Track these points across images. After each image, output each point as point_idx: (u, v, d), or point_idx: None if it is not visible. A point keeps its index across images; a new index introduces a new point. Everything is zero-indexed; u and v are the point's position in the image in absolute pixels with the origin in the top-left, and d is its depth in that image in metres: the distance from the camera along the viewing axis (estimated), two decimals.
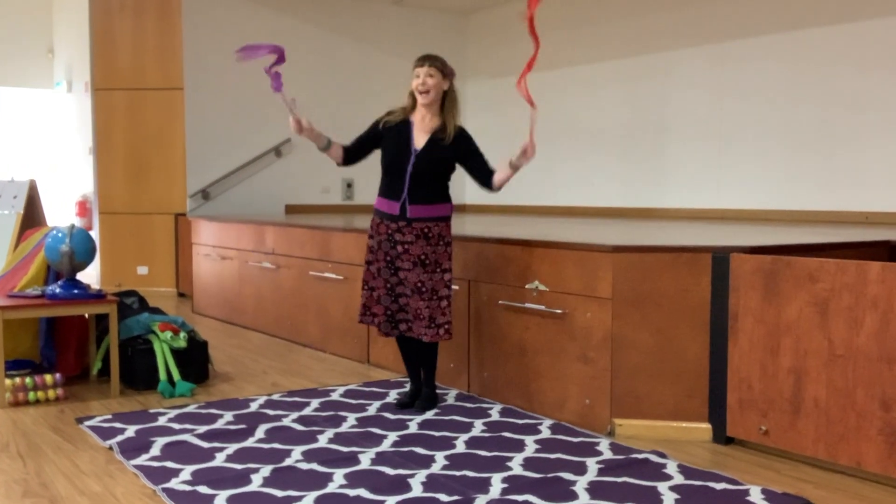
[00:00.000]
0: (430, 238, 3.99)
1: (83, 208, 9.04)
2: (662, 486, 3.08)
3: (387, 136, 4.07)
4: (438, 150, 3.99)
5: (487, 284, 4.38)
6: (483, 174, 4.07)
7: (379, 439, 3.64)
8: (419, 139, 4.01)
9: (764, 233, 5.00)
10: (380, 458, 3.37)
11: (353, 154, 4.19)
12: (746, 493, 3.03)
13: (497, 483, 3.11)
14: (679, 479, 3.16)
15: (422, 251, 3.98)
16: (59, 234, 4.45)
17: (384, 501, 2.91)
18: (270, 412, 4.09)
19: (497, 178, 4.04)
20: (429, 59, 4.00)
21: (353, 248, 5.37)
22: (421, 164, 3.97)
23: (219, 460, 3.35)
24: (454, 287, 4.37)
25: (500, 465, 3.32)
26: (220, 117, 8.54)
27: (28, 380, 4.31)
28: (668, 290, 3.69)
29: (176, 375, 4.53)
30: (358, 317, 4.15)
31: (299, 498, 2.94)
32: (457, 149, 4.02)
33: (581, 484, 3.10)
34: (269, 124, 8.75)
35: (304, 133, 4.04)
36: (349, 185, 9.24)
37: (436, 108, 4.04)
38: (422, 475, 3.18)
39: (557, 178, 8.69)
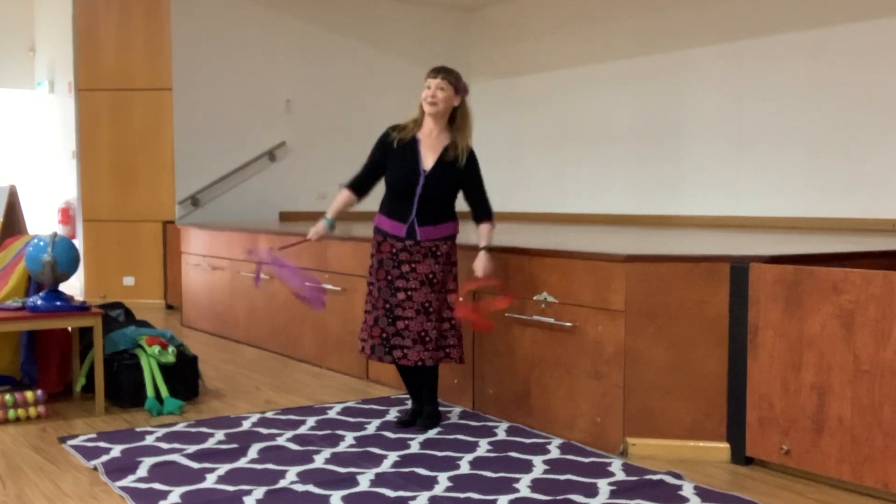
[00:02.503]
0: (438, 257, 4.04)
1: (66, 215, 9.06)
2: None
3: (395, 154, 4.09)
4: (448, 172, 4.03)
5: (493, 296, 4.38)
6: (477, 208, 4.14)
7: (378, 459, 3.65)
8: (427, 159, 4.04)
9: (785, 241, 5.01)
10: (379, 480, 3.38)
11: (364, 186, 4.23)
12: None
13: None
14: (696, 502, 3.16)
15: (430, 270, 4.02)
16: (41, 243, 4.47)
17: None
18: (264, 431, 4.09)
19: (479, 231, 4.14)
20: (442, 72, 4.04)
21: (351, 258, 5.39)
22: (430, 187, 4.01)
23: (209, 482, 3.36)
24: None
25: (506, 486, 3.32)
26: (210, 119, 8.57)
27: (8, 397, 4.32)
28: (683, 301, 3.70)
29: (164, 392, 4.54)
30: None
31: None
32: (468, 172, 4.07)
33: None
34: (262, 127, 8.79)
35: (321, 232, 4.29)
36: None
37: (443, 124, 4.08)
38: (424, 497, 3.19)
39: (566, 184, 8.71)
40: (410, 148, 4.06)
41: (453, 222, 4.12)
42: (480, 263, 4.05)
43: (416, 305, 4.01)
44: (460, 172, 4.04)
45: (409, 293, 4.02)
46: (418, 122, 4.11)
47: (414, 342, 4.01)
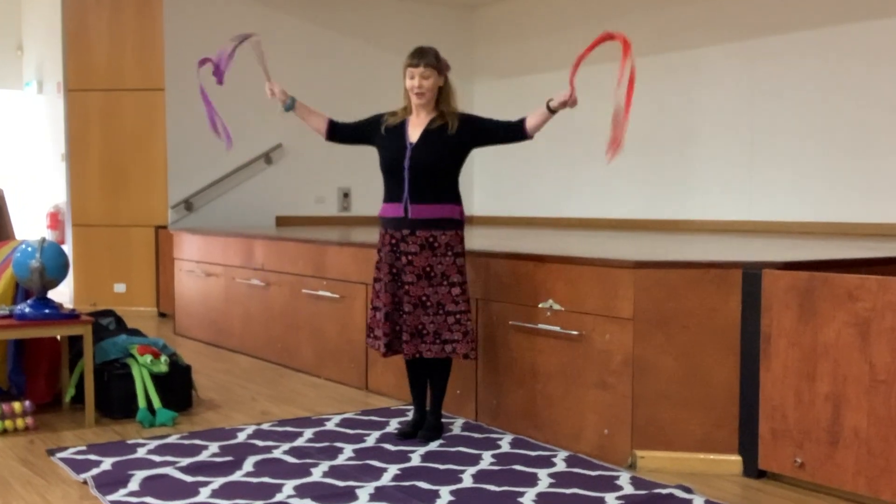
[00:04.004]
0: (437, 248, 4.02)
1: (55, 220, 9.08)
2: None
3: (384, 137, 4.14)
4: (436, 141, 4.03)
5: (497, 303, 4.40)
6: (510, 131, 4.12)
7: (378, 473, 3.65)
8: (414, 133, 4.08)
9: (799, 247, 5.02)
10: (379, 494, 3.39)
11: (341, 132, 4.31)
12: None
13: None
14: None
15: (427, 262, 4.01)
16: (29, 249, 4.48)
17: None
18: (260, 443, 4.10)
19: (531, 122, 4.07)
20: (423, 57, 4.02)
21: (350, 264, 5.40)
22: (418, 156, 4.01)
23: (203, 496, 3.36)
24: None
25: (511, 500, 3.33)
26: (204, 121, 8.53)
27: None
28: (694, 309, 3.71)
29: (156, 403, 4.54)
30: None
31: None
32: (466, 133, 4.06)
33: None
34: (259, 129, 8.80)
35: (277, 95, 4.33)
36: (346, 195, 9.28)
37: (432, 106, 4.11)
38: None
39: (573, 187, 8.71)
40: (399, 129, 4.11)
41: (453, 205, 4.08)
42: (559, 99, 4.01)
43: (414, 300, 4.02)
44: (456, 139, 4.03)
45: (407, 287, 4.03)
46: (407, 110, 4.15)
47: (412, 336, 4.03)
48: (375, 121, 4.22)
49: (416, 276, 4.02)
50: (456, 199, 4.11)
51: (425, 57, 4.02)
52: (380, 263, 4.14)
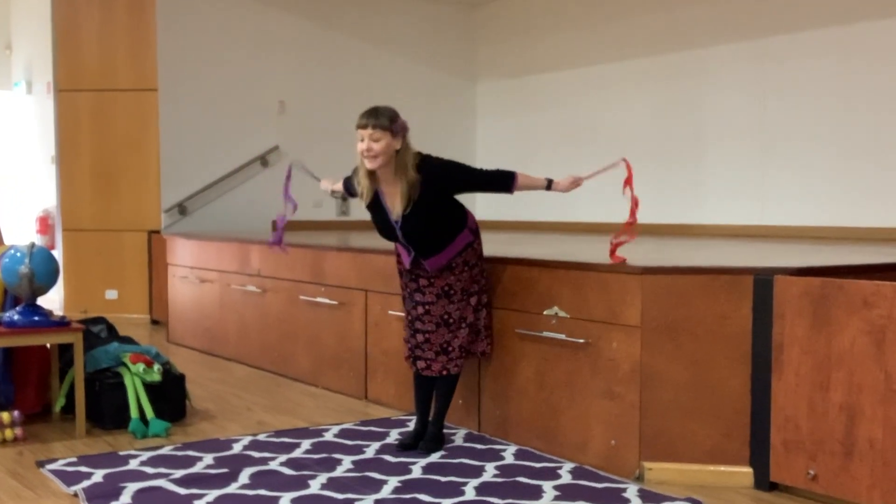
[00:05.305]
0: (454, 268, 4.11)
1: (44, 224, 9.09)
2: None
3: (367, 206, 4.11)
4: (418, 219, 3.96)
5: (501, 310, 4.40)
6: (493, 184, 4.18)
7: (378, 485, 3.66)
8: (395, 207, 3.98)
9: (812, 252, 5.02)
10: None
11: (347, 187, 4.39)
12: None
13: None
14: None
15: (445, 282, 4.11)
16: (18, 254, 4.49)
17: None
18: (256, 454, 4.11)
19: (522, 183, 4.19)
20: (372, 118, 3.83)
21: (349, 270, 5.41)
22: (409, 232, 4.02)
23: None
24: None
25: None
26: (199, 122, 8.60)
27: None
28: (704, 316, 3.71)
29: (149, 413, 4.55)
30: None
31: None
32: (439, 191, 3.98)
33: None
34: (254, 131, 8.81)
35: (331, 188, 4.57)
36: (344, 199, 9.28)
37: (394, 167, 3.91)
38: None
39: (578, 190, 8.69)
40: (377, 201, 4.04)
41: (461, 235, 4.12)
42: (565, 182, 4.27)
43: (436, 318, 4.11)
44: (430, 208, 3.95)
45: (427, 307, 4.12)
46: (372, 180, 3.98)
47: (437, 354, 4.14)
48: (353, 182, 4.15)
49: (435, 295, 4.11)
50: (462, 225, 4.14)
51: (374, 117, 3.83)
52: (401, 278, 4.26)
